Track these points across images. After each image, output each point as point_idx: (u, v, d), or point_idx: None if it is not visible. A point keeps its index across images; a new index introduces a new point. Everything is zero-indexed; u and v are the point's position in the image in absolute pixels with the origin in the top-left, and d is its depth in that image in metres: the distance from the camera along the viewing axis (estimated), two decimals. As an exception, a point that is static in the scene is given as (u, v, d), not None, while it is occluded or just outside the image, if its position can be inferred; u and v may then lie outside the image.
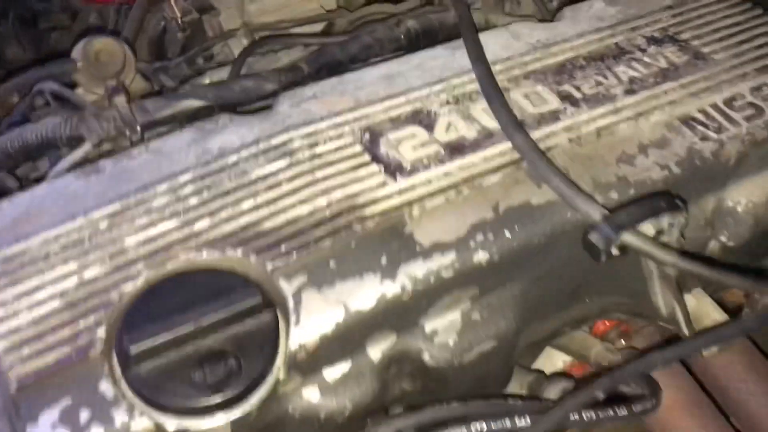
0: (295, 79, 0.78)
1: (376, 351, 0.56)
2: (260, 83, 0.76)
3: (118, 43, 0.80)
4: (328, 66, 0.80)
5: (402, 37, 0.83)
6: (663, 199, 0.56)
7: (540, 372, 0.69)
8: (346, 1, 1.07)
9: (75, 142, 0.72)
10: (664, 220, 0.56)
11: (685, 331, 0.63)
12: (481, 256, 0.56)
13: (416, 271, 0.54)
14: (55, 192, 0.62)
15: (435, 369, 0.57)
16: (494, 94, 0.63)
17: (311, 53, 0.81)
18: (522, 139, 0.59)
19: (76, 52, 0.78)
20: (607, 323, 0.76)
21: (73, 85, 0.83)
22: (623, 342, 0.77)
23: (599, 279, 0.64)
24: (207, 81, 0.86)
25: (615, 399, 0.59)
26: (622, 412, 0.57)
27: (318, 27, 0.99)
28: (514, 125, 0.60)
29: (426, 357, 0.57)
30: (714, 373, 0.77)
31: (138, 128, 0.71)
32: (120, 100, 0.72)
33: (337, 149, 0.62)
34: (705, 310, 0.67)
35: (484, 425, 0.53)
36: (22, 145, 0.74)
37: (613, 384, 0.55)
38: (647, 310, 0.68)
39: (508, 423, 0.53)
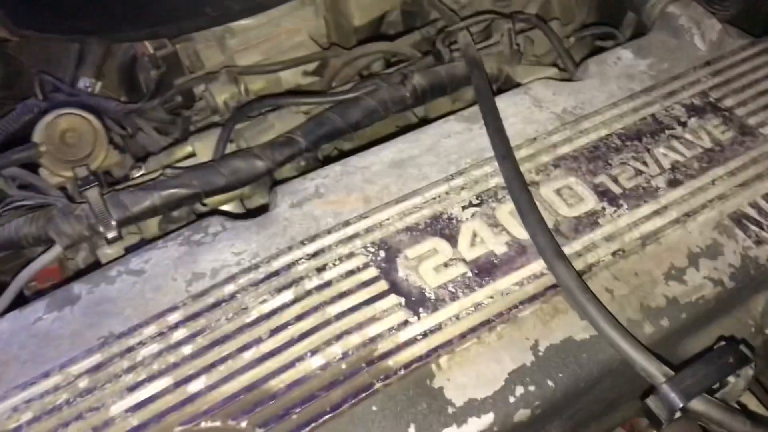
0: (291, 153, 0.69)
1: None
2: (251, 163, 0.67)
3: (85, 118, 0.70)
4: (327, 137, 0.71)
5: (408, 95, 0.73)
6: (731, 353, 0.49)
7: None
8: (337, 34, 0.96)
9: (43, 243, 0.64)
10: (733, 378, 0.49)
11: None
12: (522, 414, 0.49)
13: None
14: (23, 331, 0.53)
15: None
16: (528, 209, 0.55)
17: (307, 121, 0.72)
18: (565, 272, 0.51)
19: (38, 134, 0.68)
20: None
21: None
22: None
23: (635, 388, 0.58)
24: (189, 149, 0.77)
25: None
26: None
27: (309, 67, 0.90)
28: (553, 252, 0.52)
29: None
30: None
31: (114, 225, 0.62)
32: (92, 194, 0.63)
33: (348, 273, 0.54)
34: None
35: None
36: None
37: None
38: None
39: None
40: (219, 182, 0.66)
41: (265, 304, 0.53)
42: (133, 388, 0.49)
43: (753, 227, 0.59)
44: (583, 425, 0.59)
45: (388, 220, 0.58)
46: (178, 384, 0.49)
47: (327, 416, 0.47)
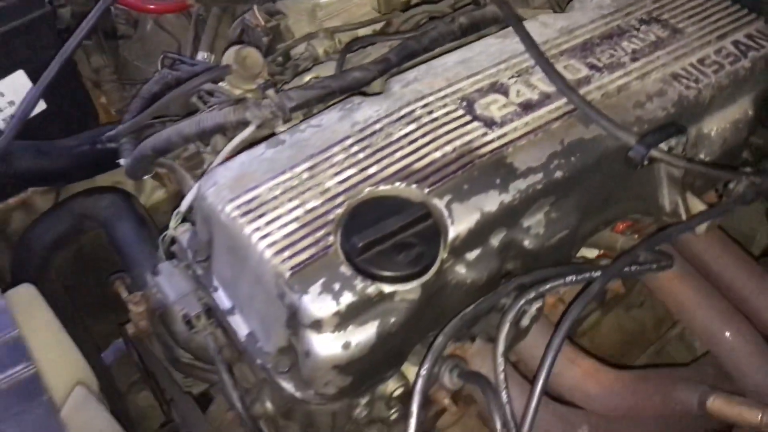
0: (387, 68, 1.06)
1: (495, 240, 0.85)
2: (365, 73, 1.04)
3: (255, 50, 1.07)
4: (409, 56, 1.08)
5: (456, 29, 1.11)
6: (673, 126, 0.87)
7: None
8: (386, 3, 1.34)
9: (241, 125, 1.00)
10: (674, 140, 0.87)
11: (684, 216, 0.95)
12: (557, 174, 0.86)
13: (520, 185, 0.84)
14: (256, 158, 0.89)
15: (531, 251, 0.88)
16: (550, 68, 0.93)
17: (394, 48, 1.09)
18: (575, 95, 0.89)
19: (229, 58, 1.05)
20: (624, 225, 1.07)
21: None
22: (636, 237, 1.08)
23: (624, 188, 0.95)
24: (308, 77, 1.14)
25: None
26: (652, 266, 0.88)
27: (378, 26, 1.27)
28: (567, 87, 0.90)
29: (525, 243, 0.87)
30: (698, 255, 1.08)
31: (288, 111, 0.99)
32: (271, 92, 0.99)
33: (447, 113, 0.91)
34: (695, 206, 0.99)
35: (572, 276, 0.83)
36: (199, 129, 1.01)
37: (647, 247, 0.86)
38: (655, 209, 0.99)
39: (585, 275, 0.84)
40: (346, 85, 1.03)
41: (402, 130, 0.89)
42: (335, 174, 0.85)
43: (684, 80, 0.97)
44: (590, 214, 0.95)
45: (464, 87, 0.95)
46: (360, 171, 0.85)
47: (450, 177, 0.84)
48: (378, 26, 1.27)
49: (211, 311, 0.91)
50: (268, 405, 0.89)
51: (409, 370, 0.90)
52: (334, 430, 0.89)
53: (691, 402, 0.97)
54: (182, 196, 0.99)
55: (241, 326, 0.87)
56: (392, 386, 0.90)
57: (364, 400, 0.88)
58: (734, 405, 0.95)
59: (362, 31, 1.25)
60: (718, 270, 1.08)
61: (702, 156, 1.01)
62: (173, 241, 0.98)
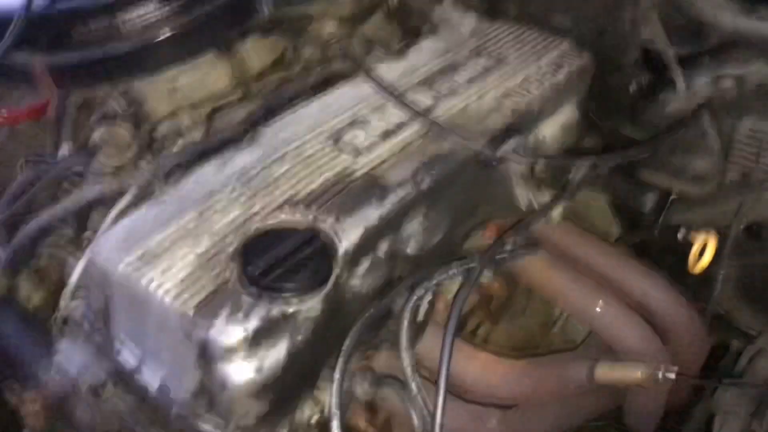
0: (252, 125, 1.13)
1: (381, 250, 0.93)
2: (232, 133, 1.11)
3: (123, 127, 1.11)
4: (270, 113, 1.16)
5: (310, 87, 1.21)
6: (515, 132, 1.00)
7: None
8: (242, 75, 1.42)
9: (119, 194, 1.02)
10: (514, 142, 0.99)
11: (537, 207, 1.07)
12: (424, 185, 0.96)
13: (393, 198, 0.93)
14: (140, 219, 0.92)
15: (414, 256, 0.96)
16: (400, 100, 1.04)
17: (256, 108, 1.17)
18: (426, 118, 1.00)
19: (97, 137, 1.08)
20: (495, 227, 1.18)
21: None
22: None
23: (485, 191, 1.06)
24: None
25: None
26: (521, 251, 0.99)
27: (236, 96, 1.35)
28: (418, 112, 1.02)
29: (408, 249, 0.95)
30: (559, 243, 1.20)
31: (164, 175, 1.03)
32: (143, 162, 1.04)
33: (316, 151, 0.99)
34: (546, 197, 1.12)
35: (453, 270, 0.92)
36: (79, 204, 1.02)
37: (512, 236, 0.97)
38: (514, 207, 1.11)
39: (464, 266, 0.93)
40: (214, 144, 1.09)
41: (280, 168, 0.96)
42: (221, 216, 0.90)
43: (515, 96, 1.12)
44: (461, 218, 1.05)
45: (330, 126, 1.04)
46: (246, 210, 0.90)
47: (330, 201, 0.91)
48: (236, 96, 1.35)
49: (117, 377, 0.90)
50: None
51: (323, 394, 0.94)
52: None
53: (581, 376, 1.07)
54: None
55: (151, 381, 0.87)
56: (308, 413, 0.92)
57: (283, 429, 0.90)
58: (617, 369, 1.06)
59: (222, 102, 1.33)
60: (578, 254, 1.20)
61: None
62: (66, 320, 0.97)
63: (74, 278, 0.98)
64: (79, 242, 1.11)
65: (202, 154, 1.06)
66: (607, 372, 1.06)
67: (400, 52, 1.28)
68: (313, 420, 0.93)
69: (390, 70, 1.18)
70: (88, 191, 1.01)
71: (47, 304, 1.36)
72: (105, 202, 1.03)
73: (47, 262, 1.17)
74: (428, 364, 1.04)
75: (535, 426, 1.15)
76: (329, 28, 1.43)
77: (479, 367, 1.03)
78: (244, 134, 1.11)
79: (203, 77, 1.35)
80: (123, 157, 1.08)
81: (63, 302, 0.98)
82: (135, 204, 1.00)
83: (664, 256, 1.26)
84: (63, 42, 1.09)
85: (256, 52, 1.38)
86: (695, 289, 1.32)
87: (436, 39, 1.27)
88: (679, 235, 1.05)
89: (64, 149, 1.33)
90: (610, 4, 1.22)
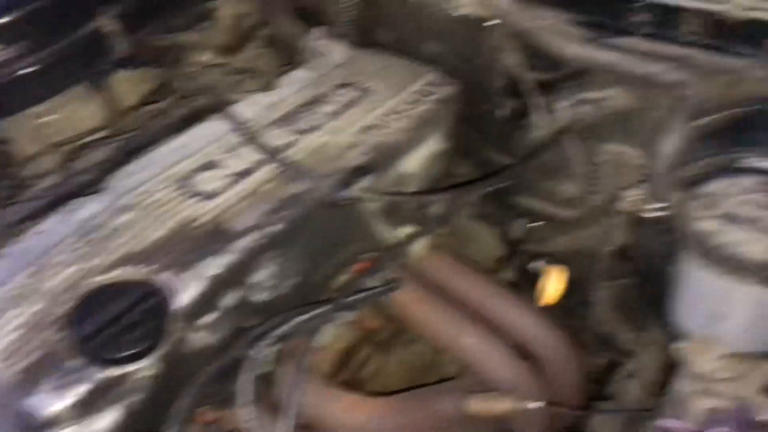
0: (111, 166, 1.10)
1: (227, 301, 0.91)
2: (89, 175, 1.07)
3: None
4: (132, 152, 1.13)
5: (176, 122, 1.19)
6: (371, 169, 0.99)
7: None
8: (110, 111, 1.38)
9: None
10: (367, 180, 0.99)
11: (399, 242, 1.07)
12: (276, 228, 0.94)
13: (240, 244, 0.91)
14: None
15: (267, 303, 0.94)
16: (254, 140, 1.03)
17: (117, 147, 1.14)
18: (279, 158, 0.99)
19: None
20: (363, 265, 1.17)
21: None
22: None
23: (345, 230, 1.06)
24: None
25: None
26: (379, 289, 0.98)
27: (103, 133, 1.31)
28: (272, 152, 1.00)
29: (259, 297, 0.94)
30: (432, 276, 1.21)
31: (14, 225, 0.99)
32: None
33: (164, 195, 0.97)
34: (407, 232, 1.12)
35: (300, 317, 0.91)
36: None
37: (370, 275, 0.97)
38: (377, 244, 1.11)
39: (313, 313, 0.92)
40: (69, 188, 1.05)
41: (119, 220, 0.93)
42: (54, 273, 0.87)
43: (376, 130, 1.11)
44: (321, 259, 1.04)
45: (180, 170, 1.02)
46: (78, 267, 0.87)
47: (169, 248, 0.89)
48: (104, 133, 1.31)
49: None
50: None
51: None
52: None
53: (449, 410, 1.07)
54: None
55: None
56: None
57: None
58: (487, 400, 1.07)
59: (89, 139, 1.29)
60: (452, 286, 1.21)
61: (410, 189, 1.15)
62: None
63: None
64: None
65: (54, 201, 1.03)
66: (478, 405, 1.07)
67: (271, 84, 1.27)
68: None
69: (254, 104, 1.16)
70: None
71: None
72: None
73: None
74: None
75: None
76: (204, 58, 1.41)
77: (342, 409, 1.02)
78: (96, 179, 1.08)
79: (71, 114, 1.31)
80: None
81: None
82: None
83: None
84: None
85: (127, 85, 1.35)
86: (578, 310, 1.35)
87: (306, 69, 1.26)
88: (529, 267, 1.07)
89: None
90: (473, 32, 1.23)
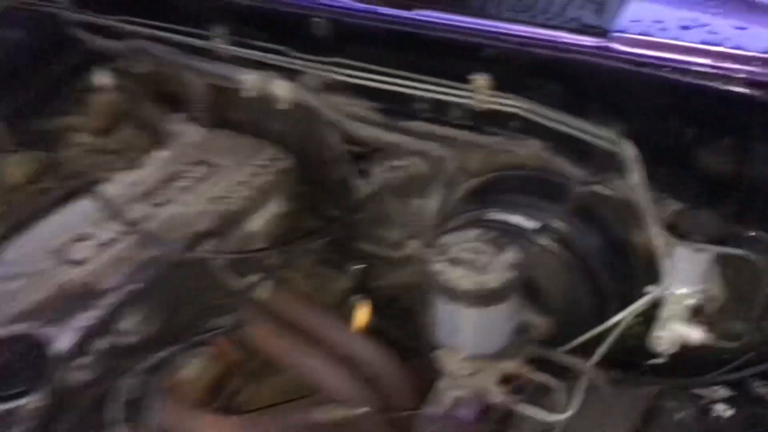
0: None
1: (100, 345, 1.15)
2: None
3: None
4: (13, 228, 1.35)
5: (52, 202, 1.42)
6: (216, 233, 1.27)
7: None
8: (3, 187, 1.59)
9: None
10: (211, 243, 1.26)
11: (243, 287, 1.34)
12: (135, 286, 1.19)
13: (107, 300, 1.16)
14: None
15: (136, 345, 1.19)
16: (118, 214, 1.28)
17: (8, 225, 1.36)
18: (137, 228, 1.25)
19: None
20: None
21: None
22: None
23: (199, 286, 1.31)
24: None
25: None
26: (228, 327, 1.25)
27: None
28: (130, 224, 1.26)
29: (128, 340, 1.18)
30: (284, 314, 1.48)
31: None
32: None
33: (42, 266, 1.20)
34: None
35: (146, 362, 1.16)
36: None
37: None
38: (228, 292, 1.37)
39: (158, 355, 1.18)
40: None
41: (8, 287, 1.17)
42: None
43: (221, 200, 1.38)
44: (180, 308, 1.29)
45: (57, 242, 1.25)
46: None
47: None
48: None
49: None
50: None
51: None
52: None
53: (298, 421, 1.34)
54: None
55: None
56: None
57: None
58: (327, 411, 1.34)
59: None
60: (298, 321, 1.48)
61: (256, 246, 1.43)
62: None
63: None
64: None
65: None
66: (319, 414, 1.34)
67: (137, 164, 1.52)
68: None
69: (119, 183, 1.41)
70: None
71: None
72: None
73: None
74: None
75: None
76: (83, 139, 1.65)
77: (203, 428, 1.27)
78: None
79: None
80: None
81: None
82: None
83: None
84: None
85: (14, 168, 1.57)
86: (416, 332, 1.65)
87: (166, 149, 1.52)
88: (350, 301, 1.36)
89: None
90: (303, 116, 1.53)
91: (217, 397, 1.45)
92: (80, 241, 1.26)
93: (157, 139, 1.62)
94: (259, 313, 1.42)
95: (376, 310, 1.57)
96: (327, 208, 1.62)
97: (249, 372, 1.58)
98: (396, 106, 1.38)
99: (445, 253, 1.05)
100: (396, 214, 1.57)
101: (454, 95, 1.27)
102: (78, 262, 1.22)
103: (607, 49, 1.15)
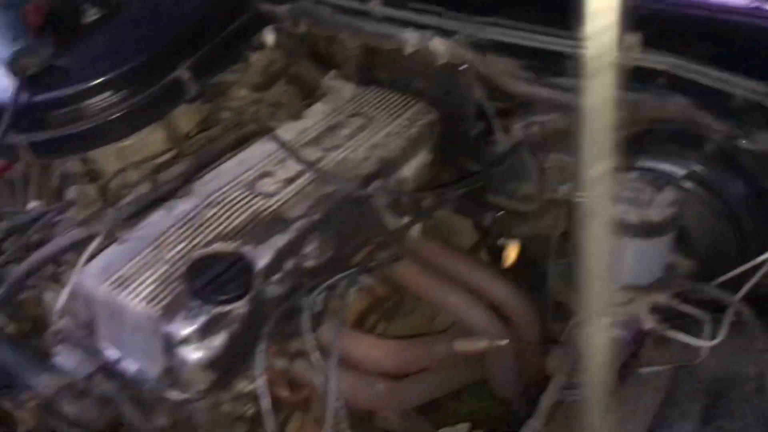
0: (188, 177, 1.50)
1: (288, 265, 1.31)
2: (173, 184, 1.47)
3: (90, 186, 1.46)
4: (201, 167, 1.53)
5: (230, 144, 1.59)
6: (380, 175, 1.41)
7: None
8: (173, 137, 1.78)
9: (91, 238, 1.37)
10: (379, 182, 1.41)
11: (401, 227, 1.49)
12: (316, 217, 1.35)
13: (294, 227, 1.32)
14: (113, 253, 1.28)
15: (314, 268, 1.35)
16: (296, 155, 1.44)
17: (190, 163, 1.54)
18: (315, 168, 1.41)
19: (71, 194, 1.43)
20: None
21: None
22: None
23: (363, 220, 1.47)
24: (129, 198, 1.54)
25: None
26: (388, 261, 1.40)
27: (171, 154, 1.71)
28: (310, 163, 1.42)
29: (308, 264, 1.34)
30: (425, 255, 1.62)
31: (123, 221, 1.38)
32: (109, 210, 1.39)
33: (236, 196, 1.38)
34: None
35: (335, 277, 1.32)
36: (59, 248, 1.37)
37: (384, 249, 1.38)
38: (386, 231, 1.52)
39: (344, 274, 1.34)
40: (161, 194, 1.45)
41: (208, 213, 1.34)
42: (171, 248, 1.27)
43: (381, 148, 1.53)
44: (346, 240, 1.45)
45: (245, 178, 1.42)
46: (187, 243, 1.28)
47: (260, 225, 1.30)
48: (171, 154, 1.71)
49: (104, 369, 1.26)
50: (163, 420, 1.25)
51: (253, 371, 1.31)
52: (212, 426, 1.27)
53: (444, 350, 1.48)
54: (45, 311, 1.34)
55: (129, 368, 1.23)
56: (243, 384, 1.30)
57: (226, 396, 1.27)
58: (468, 341, 1.48)
59: (159, 160, 1.69)
60: (440, 262, 1.63)
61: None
62: (58, 334, 1.32)
63: (60, 303, 1.32)
64: (56, 279, 1.45)
65: (150, 202, 1.43)
66: (461, 345, 1.48)
67: (298, 115, 1.69)
68: (246, 390, 1.31)
69: (289, 130, 1.58)
70: (66, 238, 1.36)
71: (21, 334, 1.67)
72: (77, 246, 1.37)
73: (29, 299, 1.50)
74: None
75: (415, 389, 1.55)
76: (242, 93, 1.82)
77: (365, 347, 1.43)
78: (181, 186, 1.48)
79: (142, 141, 1.71)
80: (90, 210, 1.43)
81: (53, 321, 1.32)
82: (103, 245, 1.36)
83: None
84: (40, 123, 1.44)
85: (184, 117, 1.75)
86: (537, 283, 1.77)
87: (324, 103, 1.68)
88: (499, 242, 1.49)
89: (31, 204, 1.66)
90: (449, 71, 1.66)
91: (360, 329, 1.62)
92: (266, 177, 1.43)
93: (312, 94, 1.78)
94: (410, 252, 1.57)
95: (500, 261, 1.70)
96: (465, 161, 1.75)
97: (385, 311, 1.74)
98: (545, 65, 1.49)
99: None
100: (532, 169, 1.69)
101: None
102: (268, 195, 1.38)
103: (759, 9, 1.23)
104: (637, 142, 1.43)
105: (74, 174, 1.65)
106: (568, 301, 1.84)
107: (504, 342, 1.49)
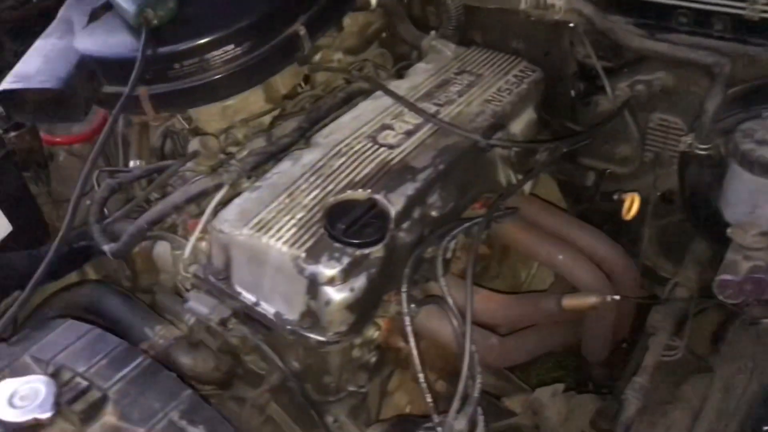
0: (303, 132, 1.51)
1: (416, 213, 1.33)
2: (290, 138, 1.48)
3: (212, 137, 1.48)
4: (314, 122, 1.54)
5: (339, 101, 1.60)
6: (499, 127, 1.43)
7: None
8: (274, 97, 1.79)
9: (217, 187, 1.39)
10: (499, 134, 1.42)
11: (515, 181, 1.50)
12: (441, 167, 1.36)
13: (421, 176, 1.33)
14: (247, 200, 1.30)
15: (437, 218, 1.36)
16: (415, 107, 1.46)
17: (302, 119, 1.55)
18: (437, 119, 1.42)
19: (194, 145, 1.45)
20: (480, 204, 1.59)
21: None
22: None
23: (479, 171, 1.48)
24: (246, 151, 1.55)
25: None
26: (507, 213, 1.41)
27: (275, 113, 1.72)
28: (430, 115, 1.43)
29: (433, 213, 1.36)
30: (529, 213, 1.63)
31: (248, 171, 1.40)
32: (234, 161, 1.41)
33: (361, 147, 1.39)
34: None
35: (465, 224, 1.34)
36: (187, 197, 1.39)
37: (500, 203, 1.39)
38: (498, 185, 1.53)
39: (472, 222, 1.35)
40: (280, 147, 1.47)
41: (339, 161, 1.36)
42: (306, 194, 1.29)
43: (494, 103, 1.54)
44: (465, 191, 1.46)
45: (365, 131, 1.44)
46: (322, 190, 1.30)
47: (389, 174, 1.31)
48: (275, 113, 1.72)
49: (239, 312, 1.28)
50: (294, 364, 1.27)
51: (380, 319, 1.33)
52: (340, 370, 1.29)
53: (552, 307, 1.49)
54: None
55: (268, 310, 1.25)
56: (372, 330, 1.32)
57: (358, 341, 1.29)
58: (577, 298, 1.49)
59: (265, 119, 1.70)
60: (542, 219, 1.63)
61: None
62: (192, 278, 1.34)
63: (188, 250, 1.34)
64: (173, 230, 1.46)
65: (271, 155, 1.44)
66: (569, 301, 1.49)
67: (397, 74, 1.70)
68: (375, 336, 1.33)
69: (397, 87, 1.59)
70: (193, 188, 1.38)
71: (134, 285, 1.70)
72: (207, 194, 1.39)
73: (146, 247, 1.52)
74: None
75: (521, 346, 1.57)
76: (337, 56, 1.83)
77: (481, 299, 1.44)
78: (298, 140, 1.50)
79: (244, 99, 1.72)
80: (213, 160, 1.45)
81: (182, 269, 1.34)
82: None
83: (602, 221, 1.71)
84: (162, 76, 1.46)
85: (281, 79, 1.77)
86: (627, 246, 1.77)
87: (427, 62, 1.68)
88: (615, 197, 1.50)
89: (133, 163, 1.69)
90: (552, 31, 1.66)
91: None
92: (385, 129, 1.44)
93: (407, 57, 1.79)
94: (519, 208, 1.58)
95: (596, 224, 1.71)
96: (565, 120, 1.76)
97: (482, 269, 1.75)
98: (658, 21, 1.50)
99: (751, 136, 1.17)
100: (632, 130, 1.69)
101: (728, 5, 1.37)
102: (390, 146, 1.40)
103: None
104: (752, 96, 1.43)
105: (179, 132, 1.67)
106: (657, 267, 1.87)
107: (614, 298, 1.49)
